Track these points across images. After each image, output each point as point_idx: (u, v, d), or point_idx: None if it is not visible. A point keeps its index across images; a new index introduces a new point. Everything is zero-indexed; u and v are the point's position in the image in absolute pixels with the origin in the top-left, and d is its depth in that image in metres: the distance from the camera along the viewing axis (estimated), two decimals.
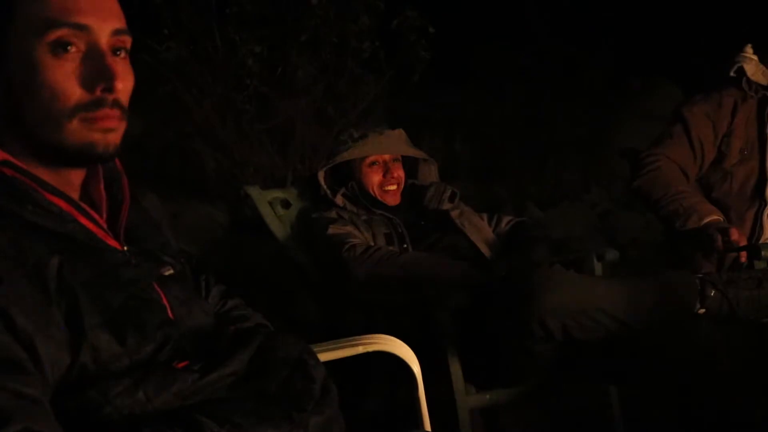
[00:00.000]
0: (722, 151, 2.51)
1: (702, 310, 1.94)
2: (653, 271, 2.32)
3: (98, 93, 1.04)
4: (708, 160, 2.54)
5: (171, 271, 1.24)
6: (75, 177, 1.13)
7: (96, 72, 1.04)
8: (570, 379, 2.04)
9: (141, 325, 1.09)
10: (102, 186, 1.18)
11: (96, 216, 1.12)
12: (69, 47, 1.03)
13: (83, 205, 1.11)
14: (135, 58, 1.13)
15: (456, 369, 2.01)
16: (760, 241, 2.43)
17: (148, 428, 1.02)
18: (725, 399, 1.82)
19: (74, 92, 1.03)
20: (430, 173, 2.68)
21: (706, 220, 2.32)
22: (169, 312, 1.17)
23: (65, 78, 1.03)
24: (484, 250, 2.39)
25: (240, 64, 4.47)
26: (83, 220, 1.09)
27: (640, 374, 1.94)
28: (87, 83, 1.04)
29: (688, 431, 1.86)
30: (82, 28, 1.04)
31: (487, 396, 2.05)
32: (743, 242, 2.23)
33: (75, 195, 1.13)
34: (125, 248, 1.15)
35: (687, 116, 2.54)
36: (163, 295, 1.17)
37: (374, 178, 2.50)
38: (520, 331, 1.88)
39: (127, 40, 1.10)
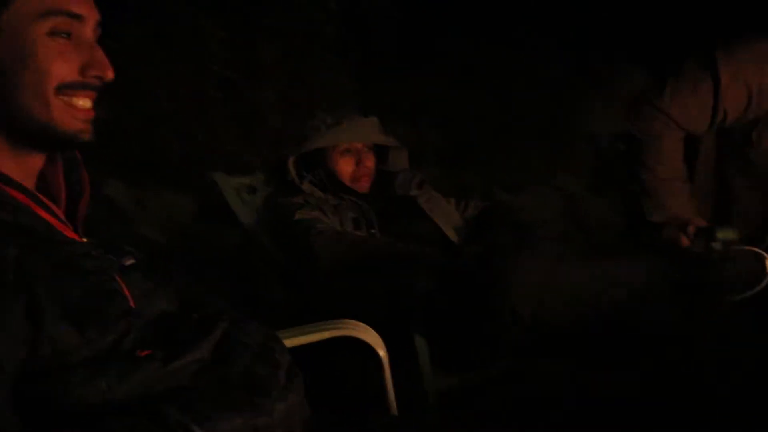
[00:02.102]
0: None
1: (669, 291, 1.96)
2: (620, 254, 2.34)
3: (89, 78, 1.10)
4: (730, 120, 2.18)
5: (132, 261, 1.23)
6: (35, 164, 1.14)
7: (91, 60, 1.11)
8: (540, 362, 2.05)
9: (101, 316, 1.08)
10: (61, 175, 1.18)
11: (54, 208, 1.12)
12: (65, 34, 1.09)
13: (41, 197, 1.11)
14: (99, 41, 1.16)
15: (423, 353, 2.01)
16: None
17: (111, 418, 1.01)
18: (699, 377, 1.85)
19: (66, 73, 1.08)
20: (400, 159, 2.67)
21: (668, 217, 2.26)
22: (130, 302, 1.16)
23: (60, 60, 1.08)
24: (452, 235, 2.40)
25: (204, 48, 4.42)
26: (41, 212, 1.09)
27: (612, 357, 1.96)
28: (80, 68, 1.10)
29: (663, 410, 1.87)
30: (77, 17, 1.10)
31: (456, 379, 2.06)
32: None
33: (32, 183, 1.13)
34: (84, 240, 1.15)
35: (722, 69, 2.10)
36: (124, 286, 1.17)
37: (346, 167, 2.48)
38: (489, 316, 1.89)
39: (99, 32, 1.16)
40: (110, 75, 1.13)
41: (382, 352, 1.67)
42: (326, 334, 1.65)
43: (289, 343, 1.54)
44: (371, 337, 1.68)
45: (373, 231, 2.36)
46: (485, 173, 4.87)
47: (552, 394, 1.96)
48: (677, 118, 2.16)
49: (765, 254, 1.90)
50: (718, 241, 2.17)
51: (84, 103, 1.11)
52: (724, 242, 2.15)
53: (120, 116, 4.67)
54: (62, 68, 1.08)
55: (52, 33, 1.07)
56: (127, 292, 1.16)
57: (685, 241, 2.15)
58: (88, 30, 1.12)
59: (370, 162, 2.50)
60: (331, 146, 2.48)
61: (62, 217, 1.13)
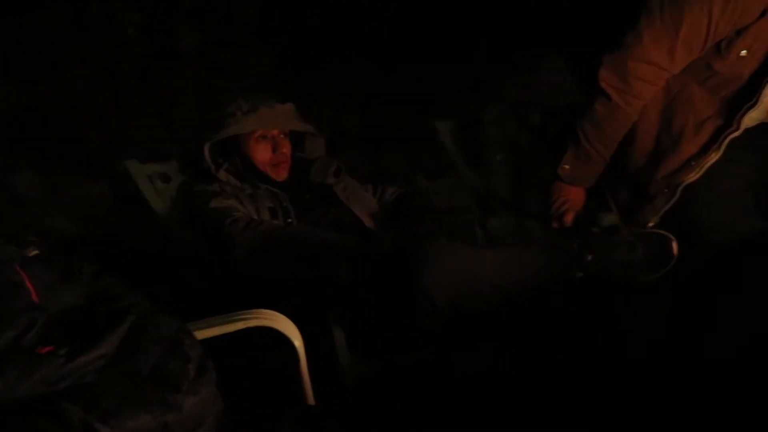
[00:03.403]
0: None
1: (580, 275, 2.00)
2: (534, 240, 2.39)
3: None
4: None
5: (36, 252, 1.19)
6: None
7: None
8: (457, 349, 2.07)
9: (1, 310, 1.04)
10: None
11: None
12: None
13: None
14: (10, 25, 1.08)
15: (340, 341, 2.01)
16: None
17: (11, 418, 0.98)
18: (608, 359, 1.90)
19: None
20: (317, 147, 2.65)
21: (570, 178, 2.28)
22: (33, 295, 1.12)
23: None
24: (368, 222, 2.40)
25: (120, 33, 4.31)
26: None
27: (526, 341, 1.99)
28: None
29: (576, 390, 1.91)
30: None
31: (374, 367, 2.06)
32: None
33: None
34: None
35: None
36: (26, 278, 1.13)
37: (262, 154, 2.45)
38: (405, 303, 1.90)
39: None
40: None
41: (297, 342, 1.66)
42: (240, 325, 1.63)
43: (202, 334, 1.52)
44: (287, 326, 1.67)
45: (289, 219, 2.34)
46: (406, 159, 4.88)
47: (469, 379, 1.99)
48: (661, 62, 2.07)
49: (672, 236, 1.95)
50: (601, 226, 2.24)
51: None
52: (608, 227, 2.22)
53: (34, 103, 4.53)
54: None
55: None
56: (29, 285, 1.12)
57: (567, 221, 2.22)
58: None
59: (286, 149, 2.48)
60: (247, 133, 2.45)
61: None
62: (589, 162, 2.23)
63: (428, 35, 5.56)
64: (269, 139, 2.47)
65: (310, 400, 1.70)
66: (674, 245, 1.94)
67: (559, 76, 3.50)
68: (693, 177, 2.09)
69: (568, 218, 2.27)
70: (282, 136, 2.48)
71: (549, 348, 2.00)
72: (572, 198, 2.30)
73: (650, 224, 2.12)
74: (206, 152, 2.43)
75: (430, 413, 1.93)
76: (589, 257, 1.99)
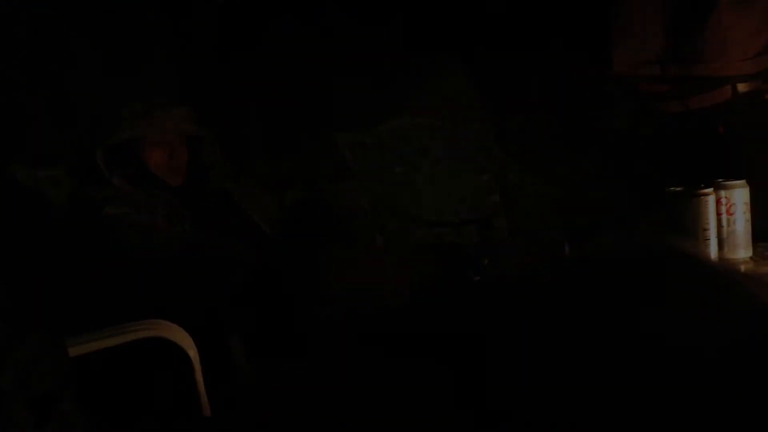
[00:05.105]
0: None
1: (477, 278, 2.03)
2: (433, 246, 2.41)
3: None
4: None
5: None
6: None
7: None
8: (351, 354, 2.07)
9: None
10: None
11: None
12: None
13: None
14: None
15: (237, 348, 1.98)
16: None
17: None
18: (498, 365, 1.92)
19: None
20: (214, 152, 2.60)
21: None
22: None
23: None
24: (267, 228, 2.37)
25: (10, 30, 4.13)
26: None
27: (427, 346, 2.00)
28: None
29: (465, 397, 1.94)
30: None
31: (271, 374, 2.04)
32: None
33: None
34: None
35: None
36: None
37: (157, 159, 2.39)
38: (301, 309, 1.89)
39: None
40: None
41: (192, 352, 1.63)
42: (131, 336, 1.58)
43: (92, 347, 1.48)
44: (180, 336, 1.64)
45: (185, 227, 2.29)
46: (306, 164, 4.86)
47: (363, 385, 1.99)
48: None
49: (562, 239, 2.00)
50: (493, 229, 2.29)
51: None
52: (498, 231, 2.27)
53: None
54: None
55: None
56: None
57: None
58: None
59: (182, 154, 2.43)
60: (141, 137, 2.38)
61: None
62: None
63: (333, 39, 5.56)
64: (165, 144, 2.41)
65: (207, 411, 1.66)
66: (566, 246, 1.99)
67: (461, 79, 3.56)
68: None
69: None
70: (178, 141, 2.43)
71: (447, 349, 2.02)
72: None
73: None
74: (99, 157, 2.36)
75: (328, 418, 1.92)
76: (486, 261, 2.02)
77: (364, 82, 5.17)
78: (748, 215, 1.95)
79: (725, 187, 1.92)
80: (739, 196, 1.93)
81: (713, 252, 1.82)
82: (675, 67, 2.32)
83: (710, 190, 1.82)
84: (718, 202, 1.86)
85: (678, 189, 1.83)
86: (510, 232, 2.30)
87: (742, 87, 2.28)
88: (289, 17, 5.38)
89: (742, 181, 1.95)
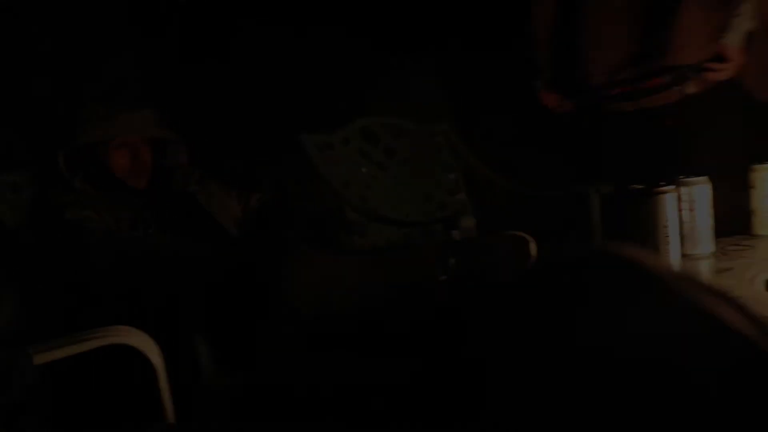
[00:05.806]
0: None
1: (444, 277, 2.03)
2: (400, 246, 2.41)
3: None
4: None
5: None
6: None
7: None
8: (322, 355, 2.06)
9: None
10: None
11: None
12: None
13: None
14: None
15: (204, 353, 1.96)
16: None
17: None
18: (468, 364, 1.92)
19: None
20: (179, 154, 2.57)
21: None
22: None
23: None
24: (232, 230, 2.35)
25: None
26: None
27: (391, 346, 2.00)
28: None
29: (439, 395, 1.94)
30: None
31: (239, 378, 2.02)
32: None
33: None
34: None
35: None
36: None
37: (120, 162, 2.36)
38: (268, 312, 1.88)
39: None
40: None
41: (155, 358, 1.60)
42: (94, 343, 1.56)
43: (52, 355, 1.45)
44: (143, 342, 1.61)
45: (150, 230, 2.27)
46: (272, 165, 4.84)
47: (335, 385, 1.98)
48: None
49: (528, 238, 2.01)
50: (459, 228, 2.30)
51: None
52: (464, 230, 2.28)
53: None
54: None
55: None
56: None
57: None
58: None
59: (146, 157, 2.40)
60: (104, 140, 2.35)
61: None
62: None
63: (301, 40, 5.54)
64: (128, 147, 2.38)
65: (171, 418, 1.64)
66: (532, 246, 2.00)
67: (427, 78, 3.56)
68: None
69: None
70: (142, 143, 2.40)
71: (413, 349, 2.02)
72: None
73: None
74: (61, 160, 2.32)
75: (295, 422, 1.91)
76: (452, 260, 2.02)
77: (330, 83, 5.17)
78: (710, 211, 1.98)
79: (687, 184, 1.95)
80: (700, 192, 1.96)
81: (675, 249, 1.85)
82: (643, 65, 2.41)
83: (671, 187, 1.84)
84: (680, 198, 1.88)
85: (639, 187, 1.85)
86: (477, 232, 2.30)
87: (690, 87, 2.40)
88: (258, 18, 5.36)
89: (704, 178, 1.98)
